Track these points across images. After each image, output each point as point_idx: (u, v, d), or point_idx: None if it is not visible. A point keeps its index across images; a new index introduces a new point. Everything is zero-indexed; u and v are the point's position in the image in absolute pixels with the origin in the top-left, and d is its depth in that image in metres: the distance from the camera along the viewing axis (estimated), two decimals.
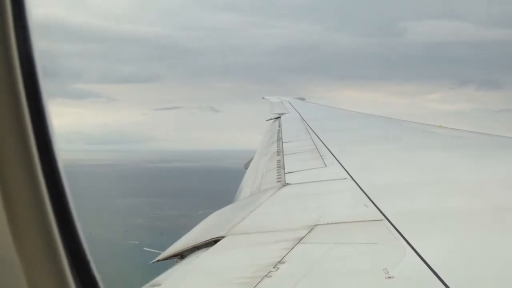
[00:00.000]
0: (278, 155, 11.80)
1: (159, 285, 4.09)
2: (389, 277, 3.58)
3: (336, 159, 9.81)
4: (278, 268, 4.00)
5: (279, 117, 22.29)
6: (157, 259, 5.66)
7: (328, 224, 5.34)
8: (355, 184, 7.27)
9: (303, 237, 4.86)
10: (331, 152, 10.78)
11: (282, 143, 13.81)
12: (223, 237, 5.34)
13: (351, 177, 7.82)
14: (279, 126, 18.91)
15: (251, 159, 14.86)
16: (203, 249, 5.17)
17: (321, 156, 10.46)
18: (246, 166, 14.32)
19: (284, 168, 9.54)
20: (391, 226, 4.91)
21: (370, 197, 6.26)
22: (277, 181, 8.41)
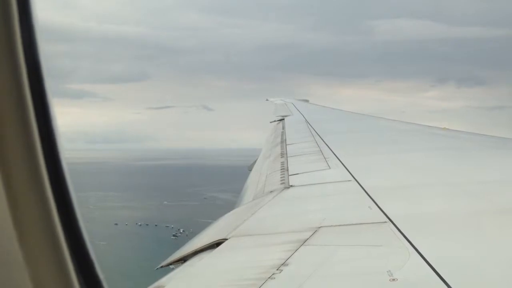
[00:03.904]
0: (282, 157, 11.80)
1: (163, 286, 4.10)
2: (393, 280, 3.57)
3: (340, 161, 9.79)
4: (282, 270, 4.00)
5: (283, 119, 22.29)
6: (161, 265, 5.66)
7: (332, 226, 5.33)
8: (359, 186, 7.26)
9: (307, 239, 4.85)
10: (334, 154, 10.77)
11: (286, 145, 13.82)
12: (226, 239, 5.34)
13: (355, 179, 7.80)
14: (283, 128, 18.91)
15: (255, 161, 14.87)
16: (206, 251, 5.17)
17: (324, 158, 10.45)
18: (250, 168, 14.32)
19: (287, 170, 9.53)
20: (395, 228, 4.90)
21: (374, 199, 6.24)
22: (281, 183, 8.41)
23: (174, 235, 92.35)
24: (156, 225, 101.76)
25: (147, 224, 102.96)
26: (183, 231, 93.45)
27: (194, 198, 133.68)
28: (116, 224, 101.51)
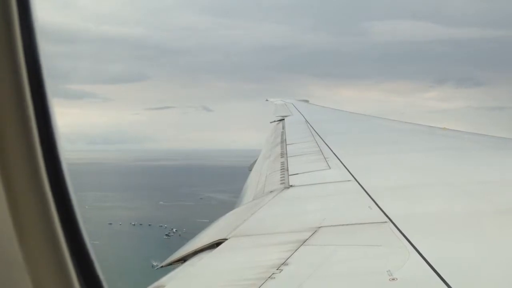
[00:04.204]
0: (282, 157, 11.80)
1: (163, 286, 4.10)
2: (393, 279, 3.57)
3: (340, 161, 9.79)
4: (282, 270, 4.00)
5: (283, 119, 22.29)
6: (161, 265, 5.67)
7: (332, 226, 5.33)
8: (359, 186, 7.26)
9: (307, 239, 4.85)
10: (335, 154, 10.77)
11: (286, 145, 13.81)
12: (226, 239, 5.34)
13: (355, 179, 7.81)
14: (283, 128, 18.91)
15: (255, 161, 14.87)
16: (206, 251, 5.17)
17: (324, 158, 10.45)
18: (250, 168, 14.32)
19: (287, 170, 9.53)
20: (395, 228, 4.90)
21: (374, 199, 6.24)
22: (281, 183, 8.41)
23: (166, 235, 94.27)
24: (149, 224, 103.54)
25: (141, 224, 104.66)
26: (176, 230, 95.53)
27: (190, 199, 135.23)
28: (110, 223, 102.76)
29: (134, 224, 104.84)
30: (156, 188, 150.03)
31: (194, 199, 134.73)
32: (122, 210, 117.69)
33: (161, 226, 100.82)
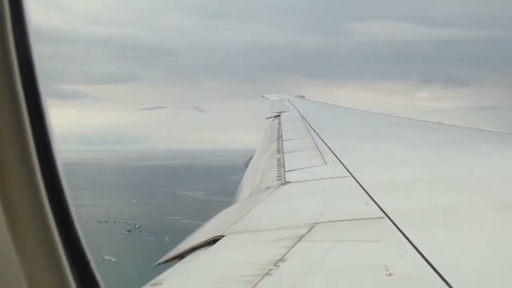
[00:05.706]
0: (278, 153, 11.79)
1: (160, 284, 4.10)
2: (389, 274, 3.59)
3: (336, 157, 9.80)
4: (279, 266, 4.01)
5: (279, 115, 22.26)
6: (158, 262, 5.66)
7: (328, 222, 5.34)
8: (356, 181, 7.27)
9: (304, 235, 4.86)
10: (331, 150, 10.77)
11: (282, 141, 13.80)
12: (223, 236, 5.35)
13: (351, 174, 7.82)
14: (279, 124, 18.89)
15: (251, 157, 14.85)
16: (203, 248, 5.17)
17: (321, 154, 10.44)
18: (246, 164, 14.31)
19: (284, 166, 9.53)
20: (392, 224, 4.91)
21: (371, 195, 6.26)
22: (277, 179, 8.41)
23: (128, 231, 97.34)
24: (115, 221, 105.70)
25: (106, 221, 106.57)
26: (138, 226, 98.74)
27: (165, 197, 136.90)
28: (77, 220, 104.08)
29: (100, 221, 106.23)
30: (136, 187, 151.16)
31: (169, 197, 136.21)
32: (94, 207, 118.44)
33: (126, 222, 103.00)
